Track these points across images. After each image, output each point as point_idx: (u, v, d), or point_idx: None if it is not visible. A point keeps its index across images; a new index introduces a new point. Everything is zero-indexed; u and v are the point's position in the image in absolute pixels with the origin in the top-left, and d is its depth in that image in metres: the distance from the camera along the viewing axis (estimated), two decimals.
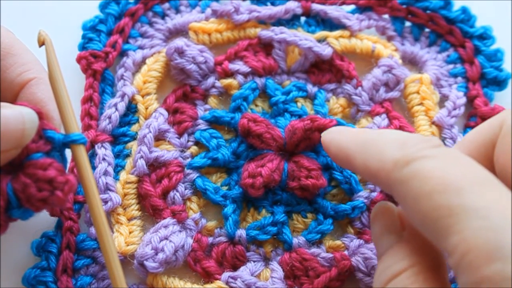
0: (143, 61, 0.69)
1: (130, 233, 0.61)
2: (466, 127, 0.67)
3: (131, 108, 0.67)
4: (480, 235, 0.38)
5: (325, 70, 0.69)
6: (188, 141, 0.66)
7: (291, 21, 0.71)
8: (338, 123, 0.64)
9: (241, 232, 0.61)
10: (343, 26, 0.70)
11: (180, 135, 0.66)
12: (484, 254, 0.38)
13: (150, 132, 0.64)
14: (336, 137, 0.54)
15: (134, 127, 0.66)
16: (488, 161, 0.50)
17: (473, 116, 0.67)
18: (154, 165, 0.64)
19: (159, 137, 0.65)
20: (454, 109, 0.67)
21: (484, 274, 0.38)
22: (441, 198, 0.41)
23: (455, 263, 0.40)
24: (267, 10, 0.70)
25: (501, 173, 0.48)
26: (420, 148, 0.45)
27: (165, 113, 0.66)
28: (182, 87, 0.67)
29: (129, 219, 0.62)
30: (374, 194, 0.63)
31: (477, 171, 0.43)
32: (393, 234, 0.49)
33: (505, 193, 0.41)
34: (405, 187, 0.44)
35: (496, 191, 0.41)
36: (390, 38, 0.71)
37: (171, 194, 0.63)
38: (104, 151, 0.64)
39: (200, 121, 0.66)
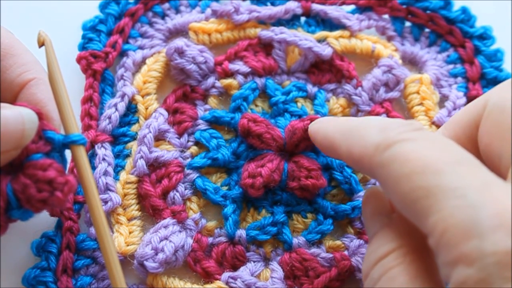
0: (143, 61, 0.69)
1: (130, 233, 0.61)
2: None
3: (131, 108, 0.67)
4: (457, 214, 0.39)
5: (325, 70, 0.69)
6: (188, 141, 0.66)
7: (291, 21, 0.71)
8: None
9: (241, 232, 0.61)
10: (343, 26, 0.70)
11: (180, 135, 0.66)
12: (461, 232, 0.38)
13: (150, 132, 0.64)
14: (322, 126, 0.55)
15: (134, 127, 0.66)
16: (473, 142, 0.50)
17: None
18: (154, 165, 0.64)
19: (159, 137, 0.65)
20: (454, 109, 0.67)
21: (462, 252, 0.38)
22: (419, 179, 0.41)
23: (434, 243, 0.40)
24: (267, 10, 0.70)
25: (484, 153, 0.48)
26: (401, 132, 0.45)
27: (165, 113, 0.66)
28: (182, 87, 0.67)
29: (129, 219, 0.62)
30: None
31: (455, 152, 0.43)
32: (383, 217, 0.50)
33: (483, 172, 0.42)
34: (386, 170, 0.44)
35: (473, 170, 0.42)
36: (390, 38, 0.71)
37: (171, 194, 0.63)
38: (104, 151, 0.64)
39: (200, 121, 0.66)
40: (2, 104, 0.48)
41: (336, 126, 0.53)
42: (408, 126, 0.46)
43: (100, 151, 0.64)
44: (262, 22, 0.70)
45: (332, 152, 0.53)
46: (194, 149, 0.65)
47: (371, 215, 0.52)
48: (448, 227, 0.39)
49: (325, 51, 0.68)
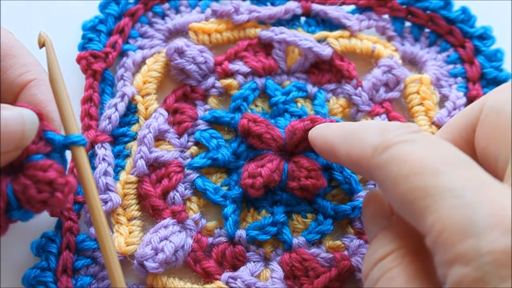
0: (143, 61, 0.69)
1: (130, 233, 0.61)
2: None
3: (131, 108, 0.67)
4: (454, 213, 0.39)
5: (325, 70, 0.69)
6: (188, 141, 0.66)
7: (291, 21, 0.71)
8: None
9: (241, 232, 0.61)
10: (343, 26, 0.70)
11: (180, 135, 0.66)
12: (458, 231, 0.39)
13: (150, 132, 0.64)
14: (322, 132, 0.56)
15: (134, 127, 0.66)
16: (470, 144, 0.51)
17: None
18: (154, 165, 0.64)
19: (159, 137, 0.65)
20: (454, 109, 0.67)
21: (458, 251, 0.38)
22: (417, 180, 0.42)
23: (431, 242, 0.41)
24: (267, 10, 0.70)
25: (481, 155, 0.49)
26: (399, 134, 0.46)
27: (165, 113, 0.66)
28: (182, 87, 0.67)
29: (129, 219, 0.62)
30: None
31: (452, 153, 0.44)
32: (382, 219, 0.51)
33: (480, 173, 0.42)
34: (384, 171, 0.45)
35: (470, 171, 0.42)
36: (390, 38, 0.71)
37: (171, 194, 0.63)
38: (104, 151, 0.64)
39: (200, 121, 0.66)
40: (2, 105, 0.48)
41: (335, 130, 0.53)
42: (406, 128, 0.47)
43: (100, 151, 0.64)
44: (262, 22, 0.70)
45: (332, 156, 0.54)
46: (194, 149, 0.65)
47: (371, 217, 0.52)
48: (445, 227, 0.39)
49: (325, 51, 0.68)
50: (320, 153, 0.57)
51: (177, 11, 0.72)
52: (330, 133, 0.54)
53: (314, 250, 0.61)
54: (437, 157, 0.43)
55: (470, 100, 0.68)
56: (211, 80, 0.68)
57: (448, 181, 0.41)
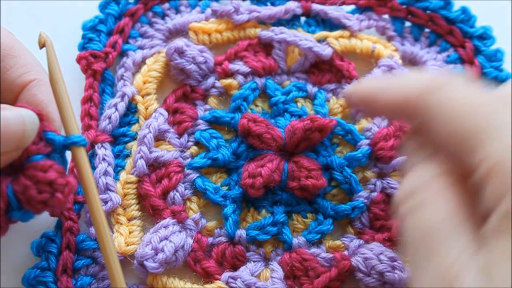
0: (143, 61, 0.69)
1: (130, 233, 0.62)
2: None
3: (131, 108, 0.67)
4: (509, 149, 0.39)
5: (325, 70, 0.69)
6: (188, 141, 0.66)
7: (291, 21, 0.71)
8: (338, 123, 0.64)
9: (241, 232, 0.62)
10: (343, 26, 0.70)
11: (180, 135, 0.66)
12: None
13: (150, 132, 0.64)
14: (359, 85, 0.54)
15: (134, 127, 0.66)
16: None
17: None
18: (154, 165, 0.64)
19: (159, 137, 0.65)
20: None
21: None
22: (471, 118, 0.42)
23: (483, 174, 0.40)
24: (267, 10, 0.70)
25: None
26: (446, 79, 0.46)
27: (165, 113, 0.66)
28: (182, 87, 0.67)
29: (129, 219, 0.62)
30: (374, 194, 0.63)
31: (499, 95, 0.45)
32: (429, 149, 0.49)
33: None
34: (434, 111, 0.45)
35: None
36: (390, 38, 0.71)
37: (171, 194, 0.63)
38: (104, 151, 0.64)
39: (200, 121, 0.66)
40: (3, 105, 0.48)
41: (374, 81, 0.54)
42: (451, 75, 0.47)
43: (100, 151, 0.64)
44: (262, 22, 0.70)
45: (370, 105, 0.52)
46: (194, 149, 0.65)
47: (417, 146, 0.50)
48: (501, 159, 0.39)
49: (325, 51, 0.68)
50: (355, 106, 0.57)
51: (177, 11, 0.72)
52: (368, 85, 0.53)
53: (314, 250, 0.61)
54: (487, 99, 0.44)
55: None
56: (211, 80, 0.68)
57: (502, 118, 0.41)
